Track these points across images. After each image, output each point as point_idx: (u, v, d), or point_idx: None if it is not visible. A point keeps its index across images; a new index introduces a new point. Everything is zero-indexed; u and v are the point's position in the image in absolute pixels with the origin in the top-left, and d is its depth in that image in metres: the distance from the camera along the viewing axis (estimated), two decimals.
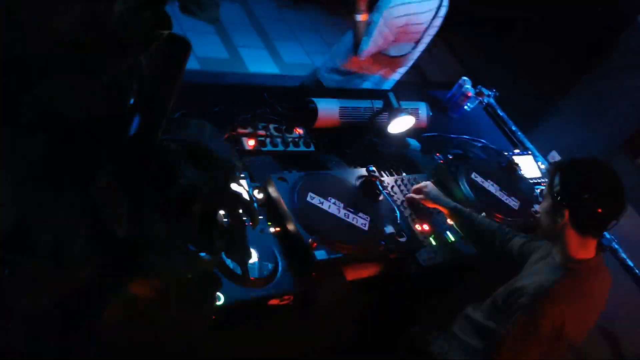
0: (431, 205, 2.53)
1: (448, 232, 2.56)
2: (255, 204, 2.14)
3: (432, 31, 3.07)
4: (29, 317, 0.98)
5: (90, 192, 0.91)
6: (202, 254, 1.15)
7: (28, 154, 0.81)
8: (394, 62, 3.15)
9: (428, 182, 2.61)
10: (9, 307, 0.87)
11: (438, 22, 3.04)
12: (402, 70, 3.27)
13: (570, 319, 1.94)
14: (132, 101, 0.99)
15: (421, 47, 3.13)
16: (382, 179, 2.60)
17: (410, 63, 3.26)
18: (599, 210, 1.92)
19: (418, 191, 2.57)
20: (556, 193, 1.97)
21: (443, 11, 3.00)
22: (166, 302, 1.05)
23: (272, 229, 2.11)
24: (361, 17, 2.80)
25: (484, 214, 2.56)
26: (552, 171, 2.06)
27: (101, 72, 0.83)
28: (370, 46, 2.86)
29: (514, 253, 2.30)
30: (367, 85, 3.23)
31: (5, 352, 0.92)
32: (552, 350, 1.96)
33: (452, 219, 2.54)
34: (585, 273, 2.00)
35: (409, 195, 2.58)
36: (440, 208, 2.53)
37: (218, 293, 1.74)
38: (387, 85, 3.30)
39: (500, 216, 2.67)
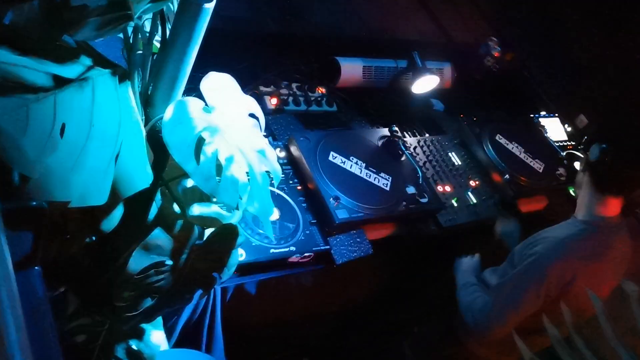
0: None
1: (470, 194, 2.55)
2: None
3: None
4: (60, 263, 1.01)
5: (116, 143, 0.91)
6: (225, 208, 1.16)
7: (58, 103, 0.82)
8: None
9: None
10: (42, 256, 0.89)
11: None
12: None
13: (583, 275, 1.95)
14: None
15: None
16: (405, 139, 2.58)
17: None
18: (616, 166, 1.96)
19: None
20: (584, 149, 2.02)
21: None
22: (188, 254, 1.07)
23: (294, 188, 2.12)
24: None
25: None
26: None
27: (130, 15, 0.83)
28: None
29: None
30: None
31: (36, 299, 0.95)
32: (550, 306, 1.96)
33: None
34: (605, 230, 2.01)
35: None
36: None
37: (240, 249, 1.77)
38: None
39: (524, 179, 2.64)
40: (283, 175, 2.14)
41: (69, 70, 0.85)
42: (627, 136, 2.09)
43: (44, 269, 0.85)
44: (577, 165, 3.01)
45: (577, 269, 1.94)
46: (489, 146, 2.71)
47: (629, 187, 2.02)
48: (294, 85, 2.56)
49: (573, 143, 3.23)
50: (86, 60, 0.90)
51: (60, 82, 0.83)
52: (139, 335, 1.20)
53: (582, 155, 3.13)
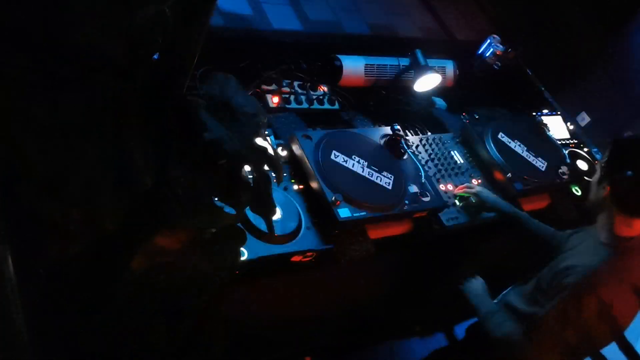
0: (486, 210, 2.45)
1: None
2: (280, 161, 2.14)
3: None
4: (59, 265, 1.00)
5: (118, 145, 0.91)
6: (227, 208, 1.15)
7: (61, 102, 0.81)
8: None
9: (482, 188, 2.49)
10: (41, 257, 0.89)
11: None
12: None
13: (619, 299, 1.91)
14: (156, 56, 0.98)
15: None
16: (407, 137, 2.57)
17: None
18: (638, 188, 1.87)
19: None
20: (603, 165, 1.96)
21: None
22: (190, 254, 1.06)
23: (295, 187, 2.11)
24: None
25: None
26: (609, 143, 2.01)
27: (129, 19, 0.82)
28: None
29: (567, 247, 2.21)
30: None
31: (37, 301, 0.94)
32: (593, 333, 1.93)
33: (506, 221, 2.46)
34: (628, 251, 1.95)
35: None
36: (496, 212, 2.45)
37: (242, 248, 1.76)
38: None
39: (526, 177, 2.63)
40: (285, 174, 2.13)
41: (69, 71, 0.86)
42: None
43: (46, 269, 0.84)
44: (579, 163, 3.00)
45: (614, 293, 1.90)
46: (492, 144, 2.69)
47: None
48: (295, 84, 2.55)
49: (575, 141, 3.22)
50: (88, 61, 0.89)
51: (62, 83, 0.83)
52: None
53: (584, 154, 3.12)
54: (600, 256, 1.95)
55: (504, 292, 2.30)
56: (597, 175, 2.03)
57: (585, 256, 1.99)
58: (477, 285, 2.32)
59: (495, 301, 2.24)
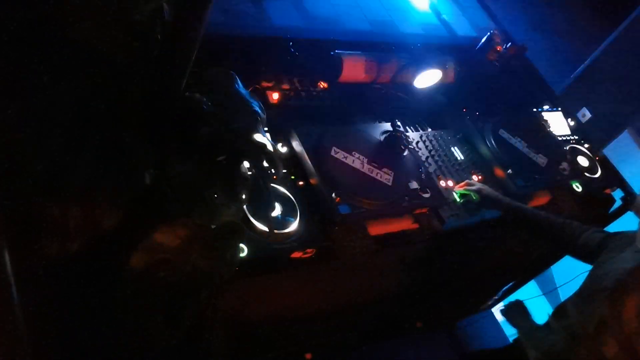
0: (487, 207, 2.44)
1: None
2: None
3: None
4: (58, 263, 0.99)
5: (116, 141, 0.90)
6: (226, 205, 1.15)
7: (59, 99, 0.81)
8: None
9: (483, 185, 2.47)
10: (40, 254, 0.89)
11: None
12: None
13: None
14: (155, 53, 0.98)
15: None
16: (407, 134, 2.56)
17: None
18: None
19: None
20: None
21: None
22: (190, 251, 1.06)
23: (295, 183, 2.11)
24: None
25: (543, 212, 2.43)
26: None
27: (127, 14, 0.81)
28: None
29: (591, 247, 2.18)
30: None
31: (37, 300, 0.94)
32: (634, 338, 1.89)
33: (510, 218, 2.43)
34: None
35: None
36: (497, 209, 2.43)
37: (242, 245, 1.76)
38: None
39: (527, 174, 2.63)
40: (285, 171, 2.13)
41: None
42: None
43: (44, 268, 0.84)
44: (580, 160, 2.99)
45: None
46: (492, 141, 2.69)
47: None
48: (295, 80, 2.54)
49: (576, 137, 3.21)
50: None
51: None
52: None
53: (585, 150, 3.11)
54: (638, 261, 1.93)
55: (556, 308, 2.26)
56: None
57: (621, 261, 1.97)
58: (515, 309, 2.30)
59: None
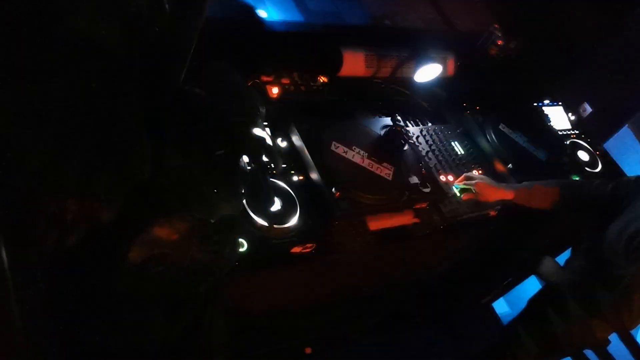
0: (491, 199, 2.41)
1: None
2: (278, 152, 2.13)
3: None
4: (56, 257, 0.99)
5: (114, 134, 0.90)
6: (225, 199, 1.14)
7: (55, 92, 0.80)
8: None
9: (483, 177, 2.47)
10: (37, 248, 0.88)
11: None
12: None
13: None
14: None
15: None
16: (407, 128, 2.56)
17: None
18: None
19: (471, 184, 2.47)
20: None
21: None
22: (188, 245, 1.06)
23: (295, 178, 2.10)
24: None
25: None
26: None
27: (124, 5, 0.81)
28: None
29: (605, 199, 2.22)
30: None
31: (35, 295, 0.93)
32: None
33: (521, 201, 2.40)
34: None
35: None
36: (504, 197, 2.40)
37: (241, 240, 1.75)
38: None
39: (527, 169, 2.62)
40: (284, 165, 2.12)
41: None
42: None
43: (42, 262, 0.84)
44: (580, 154, 2.99)
45: None
46: (492, 135, 2.68)
47: None
48: (295, 75, 2.53)
49: (577, 132, 3.20)
50: None
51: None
52: None
53: (585, 145, 3.11)
54: None
55: (568, 258, 2.28)
56: None
57: None
58: (547, 264, 2.31)
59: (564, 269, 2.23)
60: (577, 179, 2.82)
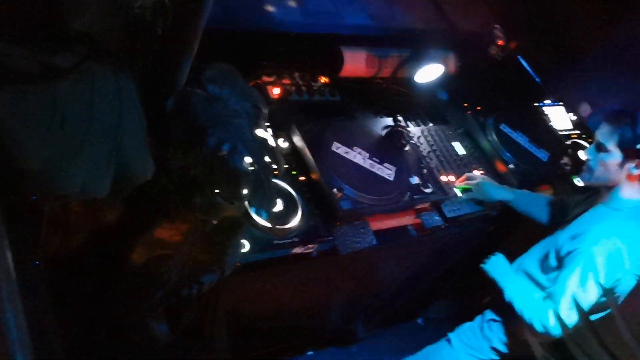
0: (492, 199, 2.43)
1: None
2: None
3: None
4: (59, 258, 0.99)
5: (117, 135, 0.90)
6: (227, 200, 1.15)
7: (58, 93, 0.80)
8: None
9: (484, 178, 2.48)
10: (41, 249, 0.88)
11: None
12: None
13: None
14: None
15: None
16: (409, 129, 2.56)
17: None
18: None
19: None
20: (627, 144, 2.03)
21: None
22: (190, 246, 1.06)
23: (296, 179, 2.10)
24: None
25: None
26: (615, 125, 2.11)
27: (127, 8, 0.81)
28: None
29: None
30: None
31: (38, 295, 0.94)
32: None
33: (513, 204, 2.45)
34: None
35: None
36: (504, 198, 2.43)
37: (243, 240, 1.76)
38: None
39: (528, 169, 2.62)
40: (286, 166, 2.12)
41: (63, 60, 0.84)
42: None
43: (46, 263, 0.84)
44: (582, 154, 2.98)
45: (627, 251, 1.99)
46: (493, 135, 2.68)
47: None
48: (296, 75, 2.54)
49: (578, 132, 3.20)
50: (83, 50, 0.88)
51: (56, 72, 0.81)
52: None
53: (586, 145, 3.10)
54: (613, 218, 2.03)
55: (519, 259, 2.30)
56: (616, 157, 2.08)
57: (599, 221, 2.05)
58: (497, 261, 2.32)
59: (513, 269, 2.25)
60: (579, 179, 2.81)
